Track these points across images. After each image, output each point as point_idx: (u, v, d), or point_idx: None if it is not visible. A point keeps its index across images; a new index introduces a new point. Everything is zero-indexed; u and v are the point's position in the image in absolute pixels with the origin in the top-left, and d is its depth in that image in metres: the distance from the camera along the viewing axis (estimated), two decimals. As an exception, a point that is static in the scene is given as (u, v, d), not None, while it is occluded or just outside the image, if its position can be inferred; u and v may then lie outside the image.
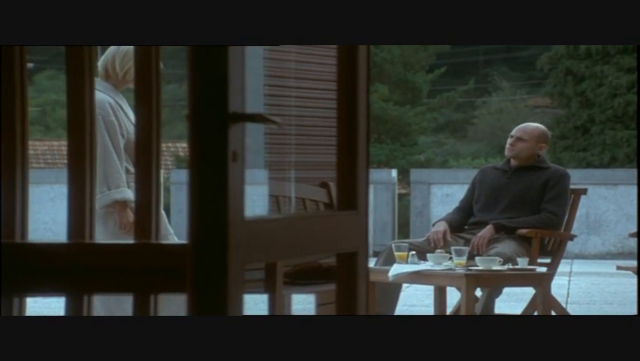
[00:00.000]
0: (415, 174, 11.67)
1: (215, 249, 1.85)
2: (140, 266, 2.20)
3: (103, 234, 3.76)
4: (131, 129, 3.81)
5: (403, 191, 16.52)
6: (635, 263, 5.81)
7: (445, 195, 11.28)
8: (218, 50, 1.86)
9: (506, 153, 5.48)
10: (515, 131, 5.46)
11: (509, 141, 5.45)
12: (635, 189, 11.04)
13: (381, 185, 11.53)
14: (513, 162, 5.46)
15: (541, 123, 5.71)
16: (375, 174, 11.83)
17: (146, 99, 2.26)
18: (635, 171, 11.69)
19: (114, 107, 3.80)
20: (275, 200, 3.76)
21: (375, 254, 6.46)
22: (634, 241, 9.92)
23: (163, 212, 3.89)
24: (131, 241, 2.26)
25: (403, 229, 12.86)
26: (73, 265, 2.20)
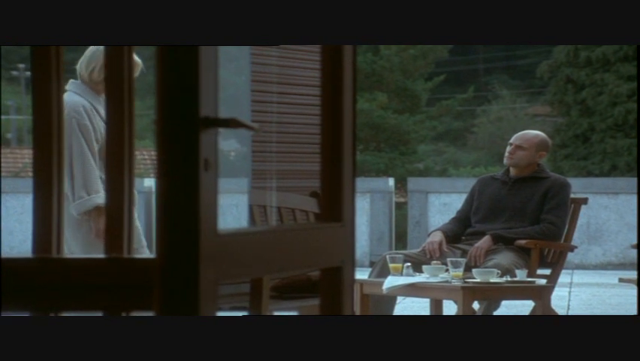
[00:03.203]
0: (413, 182, 11.54)
1: (185, 263, 1.72)
2: (110, 282, 2.06)
3: (74, 240, 3.64)
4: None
5: (402, 200, 16.41)
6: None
7: (442, 204, 11.14)
8: (189, 50, 1.73)
9: (505, 161, 5.34)
10: (514, 139, 5.32)
11: (508, 149, 5.31)
12: (636, 198, 10.90)
13: (378, 194, 11.40)
14: (512, 171, 5.32)
15: (541, 131, 5.57)
16: (372, 183, 11.70)
17: (117, 102, 2.12)
18: (636, 180, 11.55)
19: (89, 111, 3.68)
20: (262, 210, 3.63)
21: (372, 264, 6.32)
22: (636, 252, 9.78)
23: (138, 223, 3.76)
24: (101, 256, 2.12)
25: (402, 238, 12.74)
26: (38, 281, 2.07)
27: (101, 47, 3.63)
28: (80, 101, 3.70)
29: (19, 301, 2.10)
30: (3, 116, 28.68)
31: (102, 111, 3.73)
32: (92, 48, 3.70)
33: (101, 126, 3.69)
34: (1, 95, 26.34)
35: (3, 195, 11.21)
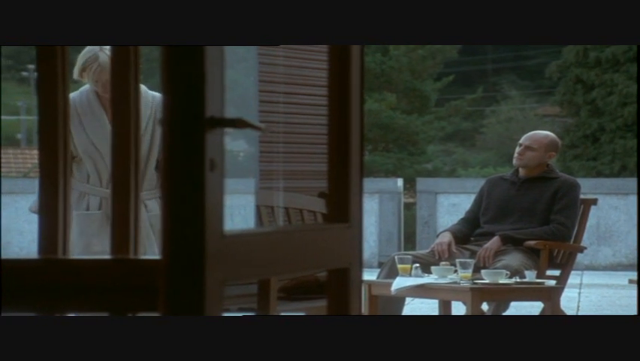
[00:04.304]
0: (421, 183, 11.52)
1: (191, 264, 1.70)
2: (116, 283, 2.05)
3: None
4: (84, 140, 3.75)
5: (411, 200, 16.38)
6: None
7: (451, 204, 11.12)
8: (195, 50, 1.71)
9: (514, 162, 5.31)
10: (524, 140, 5.29)
11: (518, 149, 5.28)
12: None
13: (386, 194, 11.38)
14: (521, 172, 5.30)
15: (551, 132, 5.54)
16: (381, 183, 11.68)
17: (123, 103, 2.11)
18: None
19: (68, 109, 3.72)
20: (270, 211, 3.62)
21: (381, 265, 6.31)
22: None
23: (153, 236, 3.75)
24: (107, 256, 2.11)
25: (411, 239, 12.71)
26: (44, 282, 2.06)
27: (87, 49, 3.66)
28: (71, 96, 3.74)
29: (25, 301, 2.09)
30: (13, 117, 28.73)
31: (87, 112, 3.75)
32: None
33: (74, 126, 3.72)
34: (2, 95, 26.34)
35: (13, 196, 11.22)
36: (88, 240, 3.69)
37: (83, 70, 3.72)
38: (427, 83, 19.50)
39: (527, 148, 5.24)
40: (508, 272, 4.72)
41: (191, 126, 1.71)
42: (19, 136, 29.36)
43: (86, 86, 3.81)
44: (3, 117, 26.92)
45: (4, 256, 2.09)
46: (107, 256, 2.10)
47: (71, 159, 3.76)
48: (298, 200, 3.77)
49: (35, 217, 2.28)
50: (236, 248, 1.79)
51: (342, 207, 2.08)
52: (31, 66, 28.67)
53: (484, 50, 27.13)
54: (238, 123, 1.79)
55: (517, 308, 6.10)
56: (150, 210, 3.74)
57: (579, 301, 7.69)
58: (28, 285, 2.07)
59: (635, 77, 17.55)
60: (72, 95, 3.77)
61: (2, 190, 11.18)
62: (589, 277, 9.97)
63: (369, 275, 4.98)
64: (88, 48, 3.68)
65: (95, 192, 3.73)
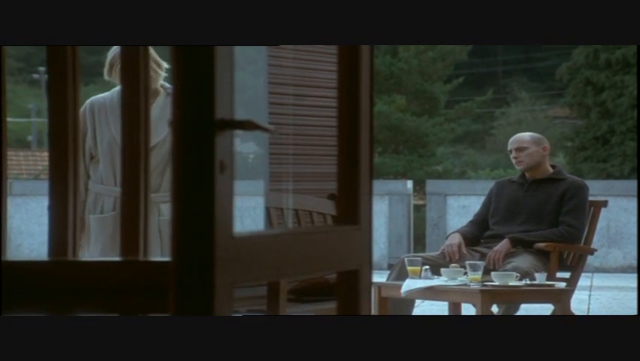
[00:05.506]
0: (431, 185, 11.51)
1: (200, 266, 1.70)
2: (125, 285, 2.05)
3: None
4: (107, 135, 3.74)
5: (421, 202, 16.36)
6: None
7: (461, 206, 11.11)
8: (205, 51, 1.71)
9: (517, 167, 5.34)
10: (511, 145, 5.34)
11: (512, 156, 5.31)
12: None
13: (396, 196, 11.37)
14: (528, 175, 5.30)
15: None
16: (391, 185, 11.68)
17: (132, 104, 2.11)
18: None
19: (95, 111, 3.71)
20: (280, 213, 3.62)
21: (390, 267, 6.30)
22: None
23: (160, 242, 3.74)
24: (116, 258, 2.11)
25: (420, 240, 12.70)
26: (54, 284, 2.06)
27: (114, 47, 3.65)
28: (96, 99, 3.74)
29: (35, 303, 2.09)
30: (24, 119, 28.84)
31: (111, 115, 3.75)
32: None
33: (102, 126, 3.71)
34: (13, 98, 26.44)
35: (24, 198, 11.27)
36: (103, 245, 3.69)
37: (110, 68, 3.71)
38: (436, 85, 19.49)
39: (518, 150, 5.28)
40: (518, 274, 4.71)
41: (201, 128, 1.71)
42: (29, 138, 29.46)
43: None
44: (14, 119, 26.99)
45: (15, 258, 2.10)
46: (117, 258, 2.10)
47: (90, 160, 3.76)
48: (308, 202, 3.77)
49: (45, 219, 2.29)
50: (245, 250, 1.79)
51: (351, 209, 2.08)
52: (42, 68, 28.74)
53: (494, 52, 27.10)
54: (247, 125, 1.79)
55: (528, 310, 6.08)
56: (163, 214, 3.71)
57: (589, 304, 7.67)
58: (39, 286, 2.07)
59: (646, 78, 17.49)
60: (105, 94, 3.78)
61: (13, 192, 11.23)
62: (599, 280, 9.94)
63: (379, 277, 4.97)
64: (114, 47, 3.67)
65: (109, 192, 3.72)
